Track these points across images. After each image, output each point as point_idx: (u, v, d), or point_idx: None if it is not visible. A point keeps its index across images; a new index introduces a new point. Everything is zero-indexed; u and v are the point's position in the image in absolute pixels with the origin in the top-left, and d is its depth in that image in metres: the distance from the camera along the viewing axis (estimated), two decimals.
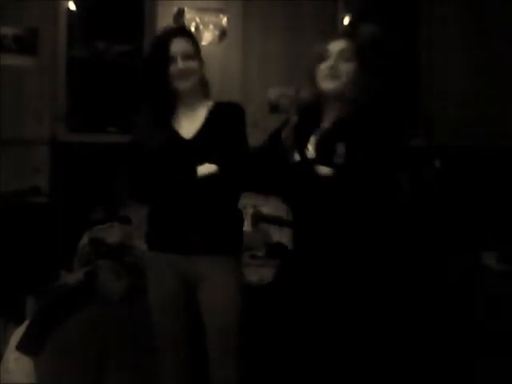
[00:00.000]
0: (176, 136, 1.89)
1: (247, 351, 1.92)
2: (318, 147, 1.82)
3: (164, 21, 3.47)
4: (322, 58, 1.80)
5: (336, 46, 1.80)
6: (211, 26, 3.50)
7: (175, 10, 3.48)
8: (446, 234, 2.98)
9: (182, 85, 1.87)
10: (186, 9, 3.48)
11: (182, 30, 1.98)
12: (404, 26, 3.84)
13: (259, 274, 2.49)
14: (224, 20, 3.51)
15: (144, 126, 1.92)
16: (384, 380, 1.84)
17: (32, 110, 3.38)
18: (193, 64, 1.88)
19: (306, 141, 1.85)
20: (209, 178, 1.81)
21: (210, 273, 1.83)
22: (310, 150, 1.83)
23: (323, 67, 1.79)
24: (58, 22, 3.46)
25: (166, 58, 1.85)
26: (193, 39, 1.93)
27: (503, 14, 3.57)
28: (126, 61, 3.64)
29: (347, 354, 1.78)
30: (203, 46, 3.49)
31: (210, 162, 1.82)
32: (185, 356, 1.91)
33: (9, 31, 3.32)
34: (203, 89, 1.96)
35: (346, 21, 3.73)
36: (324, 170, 1.77)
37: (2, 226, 2.99)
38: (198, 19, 3.48)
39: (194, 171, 1.81)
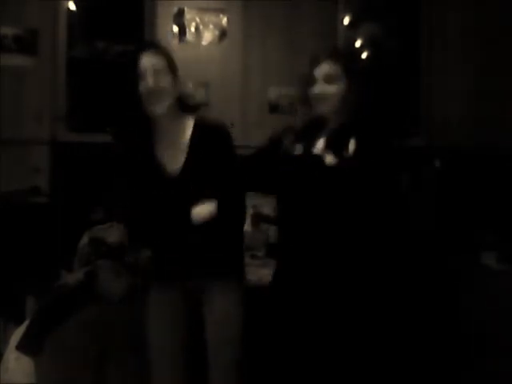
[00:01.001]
0: (161, 172, 1.79)
1: (246, 351, 1.92)
2: (328, 145, 1.83)
3: (164, 21, 3.47)
4: (310, 82, 1.86)
5: (321, 70, 1.85)
6: (211, 26, 3.50)
7: (175, 9, 3.48)
8: (445, 234, 2.98)
9: (155, 107, 1.73)
10: (186, 9, 3.48)
11: (153, 45, 1.88)
12: (404, 26, 3.84)
13: (259, 273, 2.49)
14: (224, 20, 3.51)
15: (124, 156, 1.82)
16: (383, 380, 1.84)
17: (32, 110, 3.38)
18: (165, 81, 1.74)
19: (312, 143, 1.86)
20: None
21: (212, 292, 1.83)
22: (318, 148, 1.85)
23: (312, 92, 1.86)
24: (58, 22, 3.46)
25: (136, 76, 1.72)
26: (166, 54, 1.80)
27: (503, 14, 3.57)
28: (126, 61, 3.63)
29: (347, 354, 1.78)
30: (203, 45, 3.50)
31: (203, 197, 1.75)
32: (183, 371, 1.90)
33: (9, 31, 3.32)
34: (184, 106, 1.83)
35: (346, 21, 3.73)
36: (330, 158, 1.79)
37: (2, 226, 2.99)
38: (198, 19, 3.48)
39: (189, 217, 1.74)
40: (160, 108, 1.74)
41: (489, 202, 3.28)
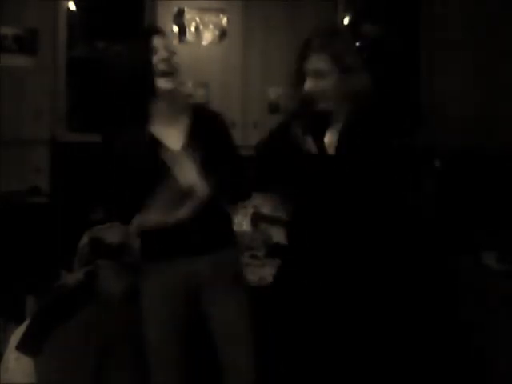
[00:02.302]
0: (160, 150, 1.81)
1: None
2: (340, 144, 1.81)
3: (164, 21, 3.47)
4: (302, 76, 1.83)
5: (311, 64, 1.81)
6: (211, 26, 3.49)
7: (175, 9, 3.48)
8: (445, 234, 2.98)
9: (167, 80, 1.78)
10: (186, 9, 3.48)
11: (160, 30, 1.91)
12: (404, 26, 3.84)
13: (259, 274, 2.50)
14: (224, 20, 3.51)
15: (121, 136, 1.87)
16: (384, 379, 1.84)
17: (32, 110, 3.38)
18: (175, 58, 1.80)
19: (322, 135, 1.84)
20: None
21: (214, 271, 1.85)
22: (328, 144, 1.83)
23: (304, 87, 1.82)
24: (58, 22, 3.46)
25: (148, 52, 1.77)
26: (168, 39, 1.88)
27: (504, 14, 3.57)
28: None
29: (347, 354, 1.79)
30: (203, 45, 3.50)
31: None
32: (182, 374, 1.91)
33: (9, 31, 3.32)
34: (182, 94, 1.90)
35: (346, 21, 3.73)
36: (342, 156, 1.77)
37: (2, 226, 2.99)
38: (198, 19, 3.48)
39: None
40: (171, 81, 1.79)
41: (489, 202, 3.28)
